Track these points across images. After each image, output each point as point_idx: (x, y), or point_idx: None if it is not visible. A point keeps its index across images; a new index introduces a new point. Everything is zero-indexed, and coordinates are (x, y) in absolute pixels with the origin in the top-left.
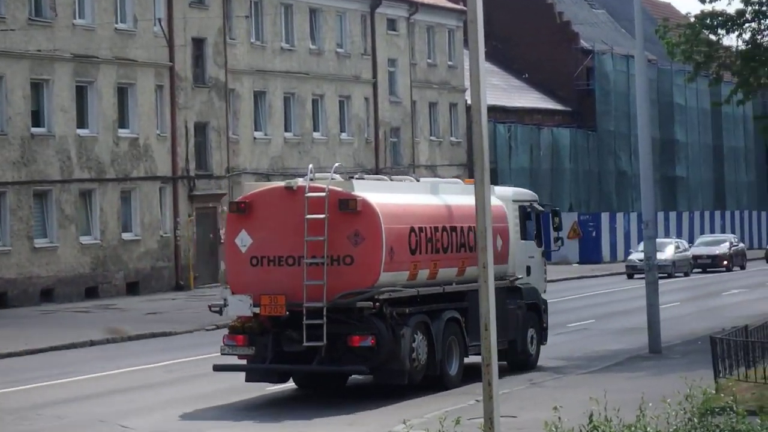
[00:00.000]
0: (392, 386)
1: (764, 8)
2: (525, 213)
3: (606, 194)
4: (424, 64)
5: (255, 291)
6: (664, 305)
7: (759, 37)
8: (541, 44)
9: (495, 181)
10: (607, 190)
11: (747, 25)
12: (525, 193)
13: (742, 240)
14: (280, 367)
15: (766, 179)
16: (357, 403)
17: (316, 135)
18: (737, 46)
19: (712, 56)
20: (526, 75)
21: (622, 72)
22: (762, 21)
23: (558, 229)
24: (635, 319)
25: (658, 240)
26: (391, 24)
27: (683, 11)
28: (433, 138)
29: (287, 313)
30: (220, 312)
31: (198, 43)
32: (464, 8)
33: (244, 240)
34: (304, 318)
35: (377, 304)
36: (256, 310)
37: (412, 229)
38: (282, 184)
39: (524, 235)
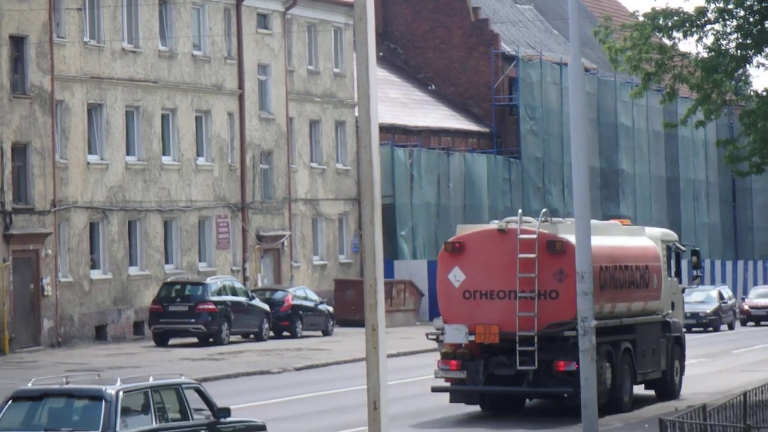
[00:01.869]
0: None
1: (730, 6)
2: (670, 252)
3: None
4: (304, 72)
5: (467, 321)
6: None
7: (723, 42)
8: (452, 48)
9: (392, 220)
10: None
11: (709, 27)
12: (670, 234)
13: None
14: (494, 389)
15: (731, 221)
16: (537, 421)
17: (165, 160)
18: (697, 53)
19: (665, 65)
20: (433, 86)
21: (554, 84)
22: (727, 22)
23: (696, 267)
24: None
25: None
26: (263, 20)
27: (630, 8)
28: (314, 165)
29: (499, 341)
30: (437, 339)
31: (17, 42)
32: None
33: (457, 276)
34: (518, 345)
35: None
36: (472, 338)
37: (601, 268)
38: (494, 226)
39: (670, 273)
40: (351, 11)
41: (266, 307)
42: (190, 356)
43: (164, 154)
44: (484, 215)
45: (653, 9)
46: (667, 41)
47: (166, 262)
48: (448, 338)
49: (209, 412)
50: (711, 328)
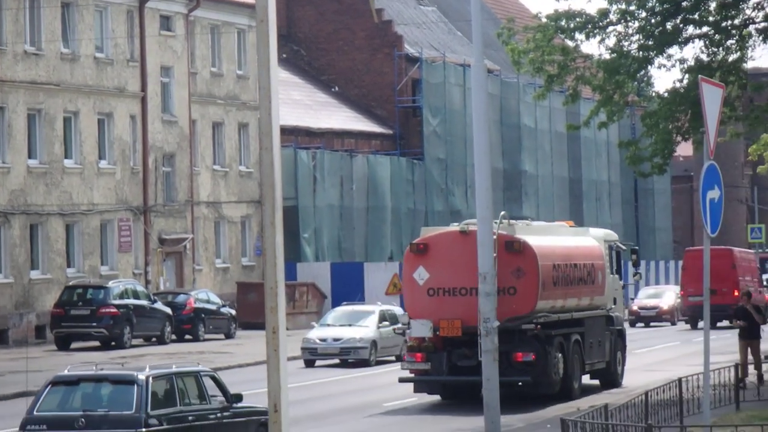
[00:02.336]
0: (528, 395)
1: (632, 7)
2: (612, 251)
3: None
4: (207, 74)
5: (432, 316)
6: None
7: (626, 43)
8: (356, 50)
9: (295, 222)
10: None
11: (611, 28)
12: (612, 234)
13: None
14: (458, 379)
15: (633, 221)
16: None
17: (68, 163)
18: (599, 54)
19: (567, 67)
20: (336, 88)
21: (457, 85)
22: (629, 24)
23: (636, 265)
24: (468, 397)
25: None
26: (166, 22)
27: (533, 10)
28: (217, 167)
29: (461, 334)
30: (403, 333)
31: None
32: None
33: (422, 274)
34: (480, 338)
35: (538, 326)
36: (436, 332)
37: (554, 266)
38: (456, 228)
39: (612, 271)
40: (254, 13)
41: (168, 310)
42: (92, 360)
43: (66, 157)
44: (387, 217)
45: (556, 11)
46: (569, 43)
47: (68, 265)
48: (414, 332)
49: (222, 398)
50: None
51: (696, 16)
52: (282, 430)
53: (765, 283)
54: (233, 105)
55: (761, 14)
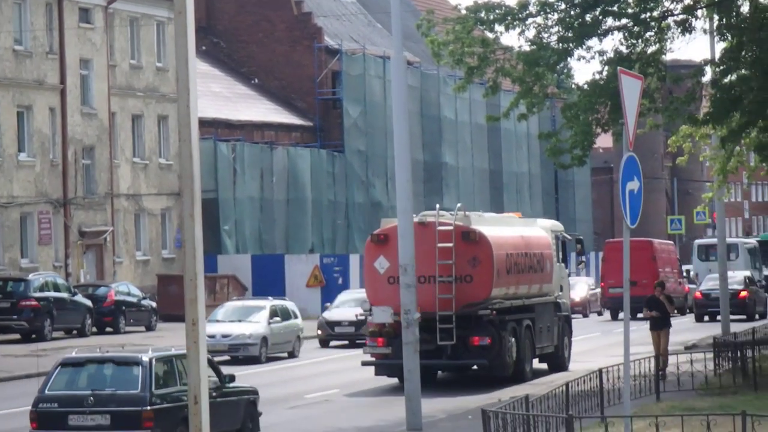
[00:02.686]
0: (480, 378)
1: None
2: (558, 241)
3: (356, 231)
4: (127, 66)
5: (392, 303)
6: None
7: (545, 35)
8: (276, 42)
9: (215, 214)
10: (357, 226)
11: (531, 20)
12: (558, 225)
13: None
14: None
15: (554, 213)
16: (447, 391)
17: None
18: (519, 46)
19: (487, 59)
20: (256, 80)
21: (377, 77)
22: (549, 15)
23: (581, 254)
24: (391, 388)
25: None
26: (85, 15)
27: (453, 2)
28: (137, 160)
29: (421, 320)
30: (365, 319)
31: None
32: None
33: (382, 263)
34: (438, 323)
35: (494, 312)
36: (396, 318)
37: (507, 255)
38: (416, 219)
39: (558, 259)
40: (173, 5)
41: (89, 303)
42: (12, 353)
43: None
44: (308, 209)
45: (476, 2)
46: (489, 35)
47: None
48: (376, 318)
49: (216, 378)
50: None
51: (615, 8)
52: (202, 421)
53: (685, 274)
54: (153, 97)
55: (680, 6)
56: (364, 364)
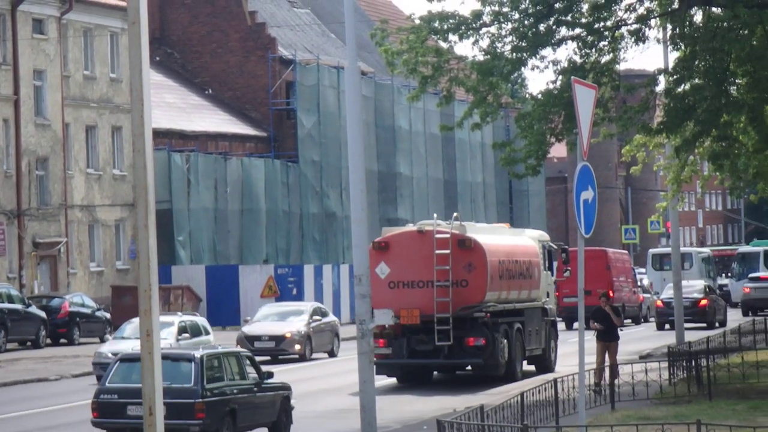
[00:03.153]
0: (473, 378)
1: (505, 9)
2: (545, 250)
3: (310, 242)
4: (80, 77)
5: (393, 306)
6: (383, 381)
7: (499, 45)
8: (229, 53)
9: (170, 225)
10: (311, 236)
11: (485, 30)
12: (544, 234)
13: None
14: (417, 362)
15: (508, 221)
16: (439, 390)
17: None
18: (473, 56)
19: (441, 68)
20: (210, 91)
21: (331, 87)
22: (503, 25)
23: (566, 262)
24: (346, 399)
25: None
26: (38, 25)
27: (407, 12)
28: (90, 171)
29: (420, 322)
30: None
31: None
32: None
33: (383, 269)
34: (436, 325)
35: (488, 314)
36: (397, 320)
37: (499, 261)
38: (414, 228)
39: (545, 267)
40: (126, 16)
41: (43, 314)
42: None
43: None
44: (262, 219)
45: (429, 12)
46: (443, 44)
47: None
48: (377, 320)
49: (256, 375)
50: None
51: (569, 18)
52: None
53: (639, 283)
54: (106, 108)
55: (633, 16)
56: None
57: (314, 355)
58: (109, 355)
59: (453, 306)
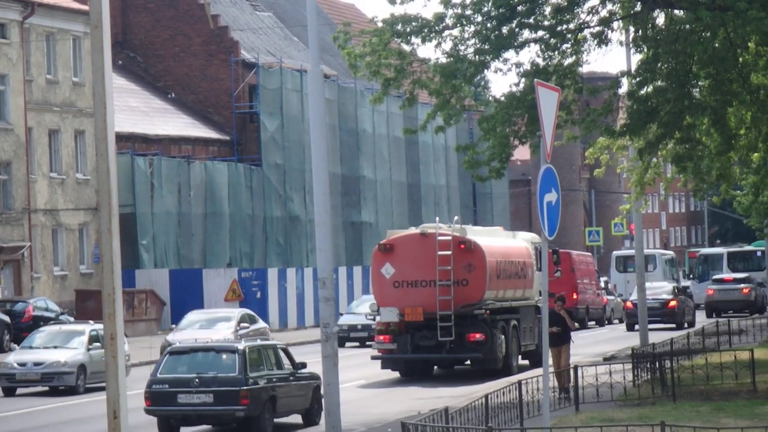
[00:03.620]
0: (474, 372)
1: (468, 12)
2: (537, 251)
3: (274, 245)
4: (43, 81)
5: (398, 305)
6: (347, 383)
7: (462, 47)
8: (192, 56)
9: (133, 229)
10: (275, 239)
11: (447, 32)
12: (536, 237)
13: None
14: (421, 356)
15: (472, 224)
16: (442, 382)
17: None
18: (436, 58)
19: (404, 71)
20: (173, 94)
21: (294, 91)
22: (465, 28)
23: (557, 263)
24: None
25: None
26: (0, 29)
27: (369, 15)
28: (54, 175)
29: (423, 319)
30: (374, 318)
31: None
32: None
33: (388, 270)
34: (438, 322)
35: (487, 311)
36: (401, 317)
37: (498, 262)
38: (417, 231)
39: (537, 268)
40: (89, 20)
41: (7, 318)
42: None
43: None
44: (226, 223)
45: (392, 15)
46: (406, 47)
47: None
48: (383, 318)
49: (290, 365)
50: None
51: (531, 21)
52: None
53: (603, 285)
54: (69, 112)
55: (596, 18)
56: (373, 358)
57: None
58: (15, 365)
59: (454, 304)
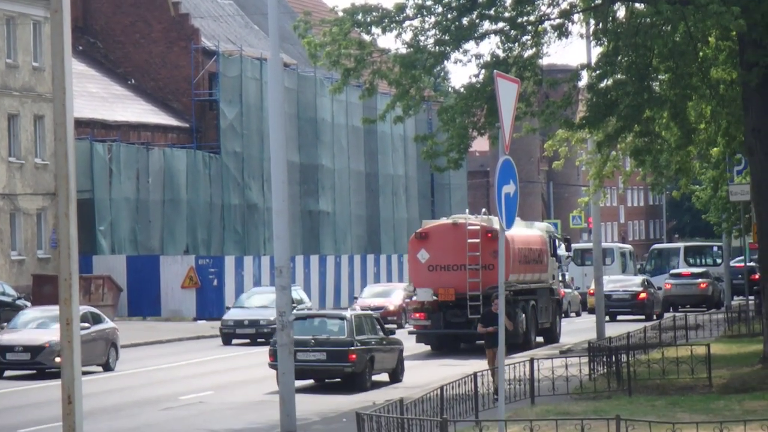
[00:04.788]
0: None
1: (429, 2)
2: (551, 239)
3: (232, 233)
4: (2, 65)
5: (432, 286)
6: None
7: (422, 38)
8: (152, 43)
9: (91, 215)
10: (233, 227)
11: (408, 23)
12: (550, 226)
13: None
14: (453, 332)
15: (430, 216)
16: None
17: None
18: (396, 49)
19: (364, 61)
20: (133, 81)
21: (254, 79)
22: (426, 18)
23: (568, 250)
24: (266, 390)
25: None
26: None
27: (330, 4)
28: (12, 159)
29: (454, 299)
30: (410, 298)
31: None
32: None
33: (423, 255)
34: (468, 301)
35: (511, 292)
36: (435, 297)
37: (520, 249)
38: (450, 221)
39: (551, 254)
40: (49, 4)
41: None
42: None
43: None
44: (184, 210)
45: (353, 5)
46: (366, 37)
47: None
48: (419, 297)
49: (382, 332)
50: (396, 326)
51: (492, 12)
52: (75, 421)
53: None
54: (29, 97)
55: (556, 11)
56: (410, 333)
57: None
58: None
59: (482, 285)
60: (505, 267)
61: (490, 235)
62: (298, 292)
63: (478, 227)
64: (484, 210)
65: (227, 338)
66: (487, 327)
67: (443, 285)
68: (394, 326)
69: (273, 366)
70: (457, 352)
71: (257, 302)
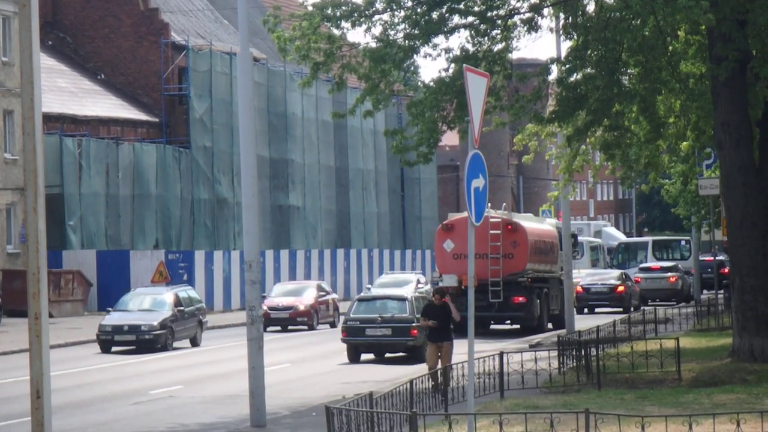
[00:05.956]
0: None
1: None
2: (560, 234)
3: (202, 228)
4: None
5: (456, 272)
6: (271, 367)
7: (392, 32)
8: (122, 38)
9: (61, 210)
10: (202, 222)
11: (377, 17)
12: (559, 222)
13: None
14: (475, 314)
15: (400, 210)
16: (491, 336)
17: None
18: (366, 43)
19: (333, 55)
20: (102, 75)
21: (224, 74)
22: (395, 12)
23: (575, 245)
24: (235, 385)
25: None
26: None
27: None
28: None
29: (477, 284)
30: (436, 283)
31: None
32: None
33: (449, 245)
34: (489, 287)
35: (529, 279)
36: (459, 283)
37: (535, 241)
38: None
39: (560, 248)
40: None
41: None
42: None
43: None
44: (153, 205)
45: None
46: (336, 31)
47: None
48: (445, 283)
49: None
50: (306, 327)
51: (461, 6)
52: (44, 416)
53: None
54: None
55: (526, 5)
56: None
57: None
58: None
59: (502, 272)
60: (523, 256)
61: (510, 227)
62: (187, 292)
63: (500, 220)
64: (504, 204)
65: (106, 346)
66: (428, 320)
67: (467, 272)
68: (305, 327)
69: (344, 341)
70: (479, 335)
71: (140, 305)
